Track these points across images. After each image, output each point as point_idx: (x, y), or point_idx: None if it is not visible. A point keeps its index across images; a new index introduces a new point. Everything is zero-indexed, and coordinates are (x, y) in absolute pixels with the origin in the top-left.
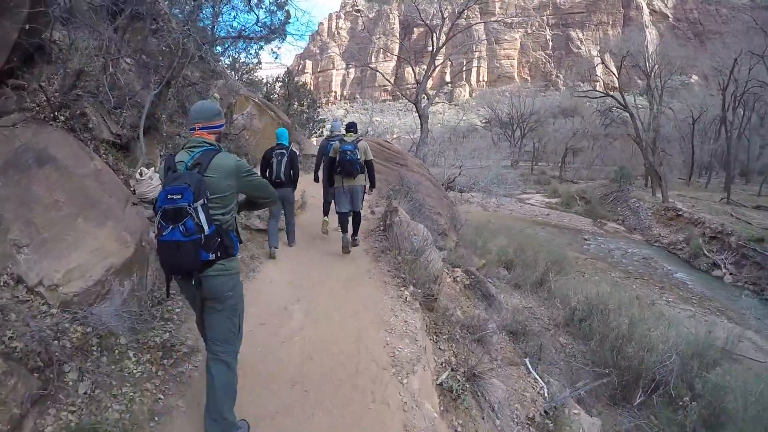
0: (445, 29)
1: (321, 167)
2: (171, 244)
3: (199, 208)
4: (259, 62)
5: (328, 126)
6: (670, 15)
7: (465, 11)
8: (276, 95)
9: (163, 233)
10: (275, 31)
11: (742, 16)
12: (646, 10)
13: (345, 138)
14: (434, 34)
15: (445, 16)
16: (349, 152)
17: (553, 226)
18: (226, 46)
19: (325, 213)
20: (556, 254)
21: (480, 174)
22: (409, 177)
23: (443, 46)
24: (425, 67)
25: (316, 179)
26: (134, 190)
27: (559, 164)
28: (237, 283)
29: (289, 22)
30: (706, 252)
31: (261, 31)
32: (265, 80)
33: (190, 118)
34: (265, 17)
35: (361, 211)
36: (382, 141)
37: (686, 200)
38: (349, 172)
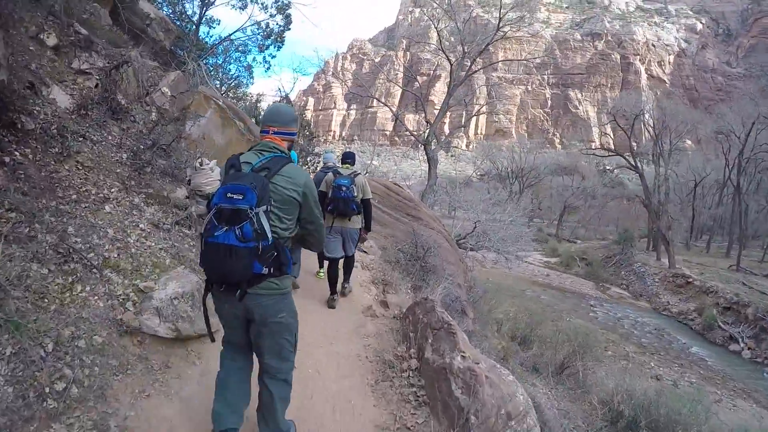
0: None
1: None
2: (222, 248)
3: (261, 214)
4: (251, 75)
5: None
6: (666, 81)
7: (489, 45)
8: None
9: (215, 234)
10: (271, 35)
11: (736, 84)
12: (644, 75)
13: (340, 170)
14: (452, 70)
15: (467, 50)
16: (344, 188)
17: (555, 289)
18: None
19: (320, 262)
20: (581, 331)
21: (495, 229)
22: (424, 234)
23: (461, 83)
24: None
25: None
26: (189, 180)
27: (556, 222)
28: (289, 302)
29: (289, 29)
30: (721, 324)
31: (256, 35)
32: (256, 98)
33: (264, 120)
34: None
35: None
36: (390, 183)
37: (692, 266)
38: (342, 211)
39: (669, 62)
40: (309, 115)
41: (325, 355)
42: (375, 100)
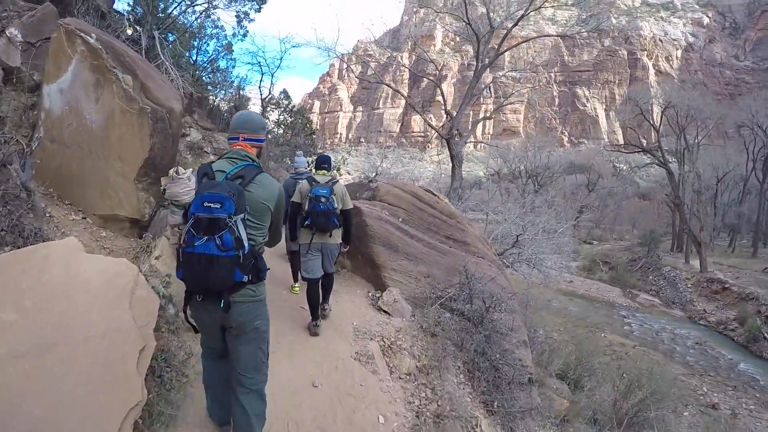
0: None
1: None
2: (203, 258)
3: (239, 222)
4: (232, 56)
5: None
6: (675, 76)
7: (521, 20)
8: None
9: (195, 244)
10: None
11: (745, 78)
12: (651, 71)
13: (315, 178)
14: (479, 51)
15: (495, 26)
16: (323, 199)
17: (581, 297)
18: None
19: (294, 276)
20: (654, 375)
21: (536, 241)
22: (477, 270)
23: (490, 64)
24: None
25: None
26: (165, 189)
27: (573, 223)
28: (264, 309)
29: None
30: (766, 335)
31: None
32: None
33: (233, 127)
34: None
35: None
36: (420, 190)
37: (724, 269)
38: (321, 227)
39: (677, 57)
40: (315, 118)
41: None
42: (381, 102)
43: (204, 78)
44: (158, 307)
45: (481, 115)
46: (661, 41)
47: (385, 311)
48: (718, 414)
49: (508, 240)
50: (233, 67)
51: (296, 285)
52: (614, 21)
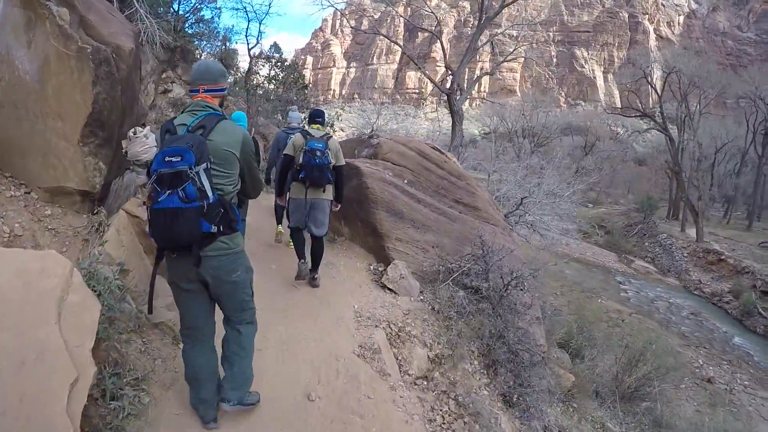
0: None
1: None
2: (168, 212)
3: (202, 173)
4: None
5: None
6: (676, 42)
7: None
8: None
9: (159, 199)
10: None
11: (746, 50)
12: (652, 35)
13: (310, 132)
14: (483, 2)
15: None
16: (318, 152)
17: (576, 261)
18: None
19: (278, 220)
20: (659, 347)
21: (539, 204)
22: (491, 241)
23: (495, 16)
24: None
25: (268, 181)
26: (126, 151)
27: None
28: (242, 260)
29: None
30: (761, 311)
31: None
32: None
33: (192, 78)
34: None
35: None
36: (427, 147)
37: (720, 240)
38: (316, 180)
39: (678, 23)
40: (308, 74)
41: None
42: (375, 58)
43: (187, 30)
44: (98, 314)
45: (477, 73)
46: (663, 5)
47: (390, 289)
48: (714, 388)
49: (511, 202)
50: (218, 16)
51: (280, 227)
52: None
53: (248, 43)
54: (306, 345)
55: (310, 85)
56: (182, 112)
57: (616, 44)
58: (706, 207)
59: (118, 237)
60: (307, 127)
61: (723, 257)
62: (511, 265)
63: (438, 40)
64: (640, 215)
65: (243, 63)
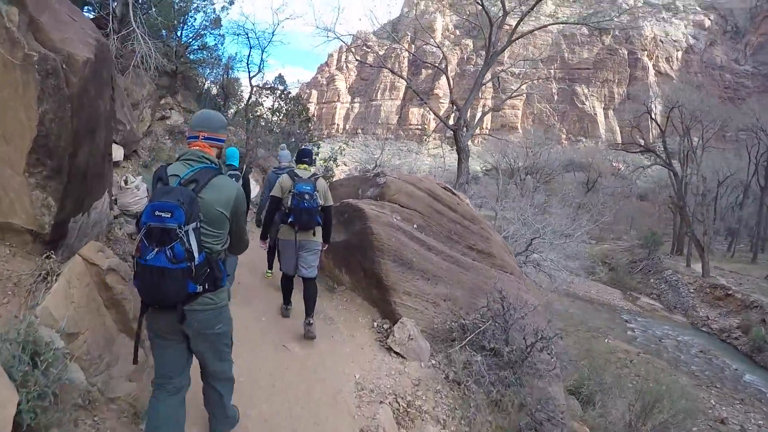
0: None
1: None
2: (155, 271)
3: (191, 232)
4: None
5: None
6: (674, 77)
7: (533, 10)
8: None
9: (146, 256)
10: None
11: (744, 82)
12: (651, 71)
13: (297, 173)
14: (491, 36)
15: (508, 10)
16: (307, 196)
17: (581, 299)
18: None
19: (270, 264)
20: (674, 391)
21: (551, 246)
22: (513, 295)
23: (503, 51)
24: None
25: (260, 222)
26: (116, 200)
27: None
28: (225, 315)
29: None
30: None
31: None
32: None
33: (193, 125)
34: None
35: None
36: (438, 187)
37: (726, 274)
38: (305, 224)
39: (677, 58)
40: (312, 108)
41: None
42: (380, 94)
43: (189, 56)
44: (14, 410)
45: (480, 109)
46: (662, 42)
47: (397, 353)
48: (728, 429)
49: (519, 242)
50: (221, 43)
51: (270, 271)
52: (615, 20)
53: (249, 71)
54: (295, 430)
55: (314, 119)
56: (177, 159)
57: (616, 80)
58: (710, 241)
59: (68, 290)
60: (294, 167)
61: (730, 292)
62: (533, 322)
63: (443, 75)
64: (644, 251)
65: (245, 90)
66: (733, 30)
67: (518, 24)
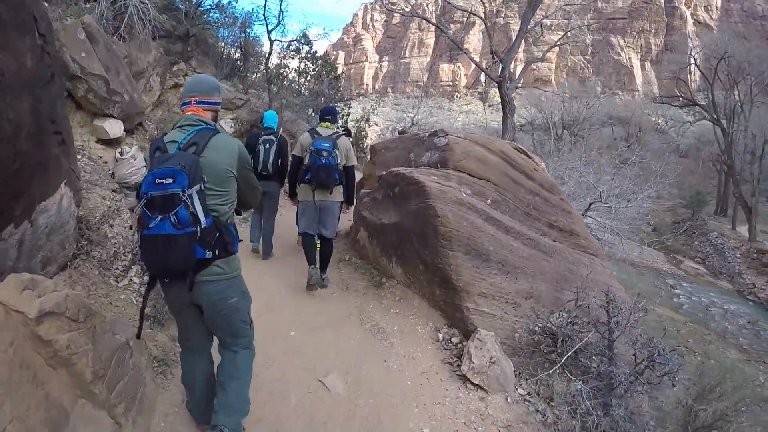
0: None
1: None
2: (160, 239)
3: (195, 195)
4: None
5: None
6: (714, 27)
7: None
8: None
9: (149, 226)
10: None
11: None
12: (689, 20)
13: (318, 131)
14: None
15: None
16: (324, 153)
17: (624, 261)
18: None
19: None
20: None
21: (613, 209)
22: (614, 292)
23: (540, 1)
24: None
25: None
26: (113, 173)
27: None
28: (238, 285)
29: None
30: None
31: None
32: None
33: (185, 91)
34: None
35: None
36: (511, 149)
37: None
38: (322, 182)
39: (716, 7)
40: (340, 69)
41: None
42: (407, 52)
43: (201, 18)
44: None
45: (514, 62)
46: None
47: (476, 384)
48: None
49: (576, 205)
50: (236, 0)
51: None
52: None
53: (267, 25)
54: None
55: (344, 76)
56: (173, 128)
57: (653, 31)
58: (757, 203)
59: None
60: (317, 126)
61: None
62: (648, 335)
63: (472, 29)
64: (687, 212)
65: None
66: None
67: None
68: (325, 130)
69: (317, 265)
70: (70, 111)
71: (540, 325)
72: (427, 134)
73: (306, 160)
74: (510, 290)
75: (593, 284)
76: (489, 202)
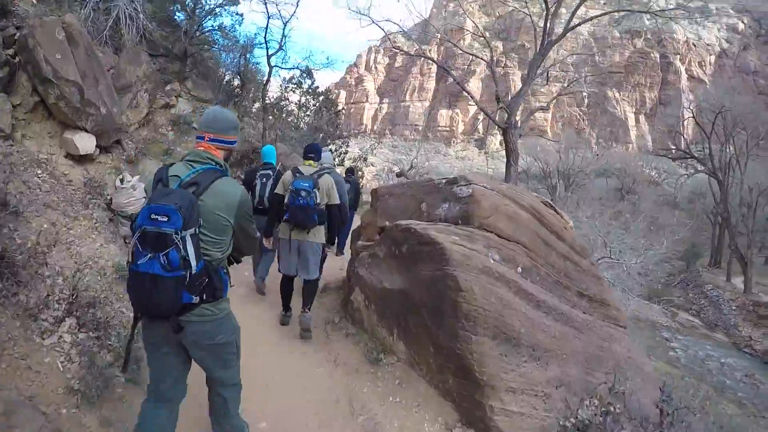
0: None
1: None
2: (147, 278)
3: (188, 239)
4: None
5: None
6: (707, 82)
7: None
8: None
9: (138, 261)
10: None
11: None
12: (684, 76)
13: (301, 169)
14: (546, 23)
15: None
16: (303, 192)
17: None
18: None
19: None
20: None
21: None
22: (624, 357)
23: (559, 40)
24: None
25: None
26: (111, 199)
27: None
28: (227, 324)
29: None
30: None
31: None
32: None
33: (201, 125)
34: None
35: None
36: (536, 200)
37: None
38: (299, 222)
39: (710, 63)
40: (340, 106)
41: None
42: (408, 95)
43: (202, 36)
44: None
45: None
46: (695, 45)
47: None
48: None
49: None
50: (239, 23)
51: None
52: (647, 22)
53: (267, 49)
54: None
55: (343, 112)
56: (181, 160)
57: (648, 85)
58: (752, 255)
59: None
60: (299, 165)
61: None
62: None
63: (472, 77)
64: (682, 264)
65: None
66: (767, 34)
67: (577, 9)
68: (307, 168)
69: (291, 312)
70: (42, 119)
71: (572, 421)
72: (443, 181)
73: (286, 199)
74: (541, 380)
75: (626, 363)
76: (520, 270)
